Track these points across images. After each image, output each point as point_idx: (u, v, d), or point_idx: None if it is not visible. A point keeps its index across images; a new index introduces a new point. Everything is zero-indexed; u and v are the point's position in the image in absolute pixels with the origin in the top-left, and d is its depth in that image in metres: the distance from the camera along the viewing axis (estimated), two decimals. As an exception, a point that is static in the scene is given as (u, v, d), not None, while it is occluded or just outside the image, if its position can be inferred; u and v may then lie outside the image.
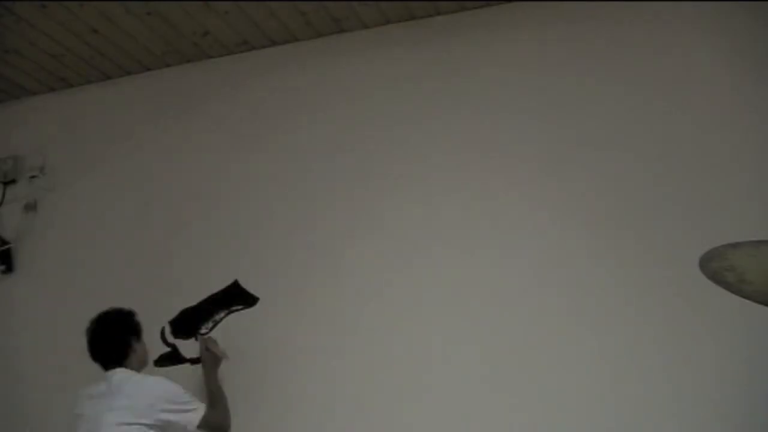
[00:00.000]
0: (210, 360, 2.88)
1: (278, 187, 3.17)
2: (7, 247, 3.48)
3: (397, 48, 3.17)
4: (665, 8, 2.84)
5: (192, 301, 3.14)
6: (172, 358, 3.11)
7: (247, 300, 3.06)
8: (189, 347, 3.10)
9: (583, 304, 2.67)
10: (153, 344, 3.13)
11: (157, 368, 3.07)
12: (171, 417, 2.56)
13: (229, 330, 3.04)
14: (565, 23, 2.97)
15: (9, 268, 3.47)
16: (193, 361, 3.07)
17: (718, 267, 1.66)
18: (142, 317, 3.14)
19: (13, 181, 3.57)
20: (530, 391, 2.63)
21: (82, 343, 3.23)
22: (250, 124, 3.31)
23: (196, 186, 3.29)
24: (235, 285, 3.08)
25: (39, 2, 2.91)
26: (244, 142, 3.29)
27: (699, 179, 2.66)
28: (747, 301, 1.71)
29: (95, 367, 3.17)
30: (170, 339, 3.14)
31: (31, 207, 3.53)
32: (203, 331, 3.07)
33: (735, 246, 1.67)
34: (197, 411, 2.62)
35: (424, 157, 3.01)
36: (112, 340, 2.73)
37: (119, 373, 2.66)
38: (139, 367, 2.74)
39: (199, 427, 2.61)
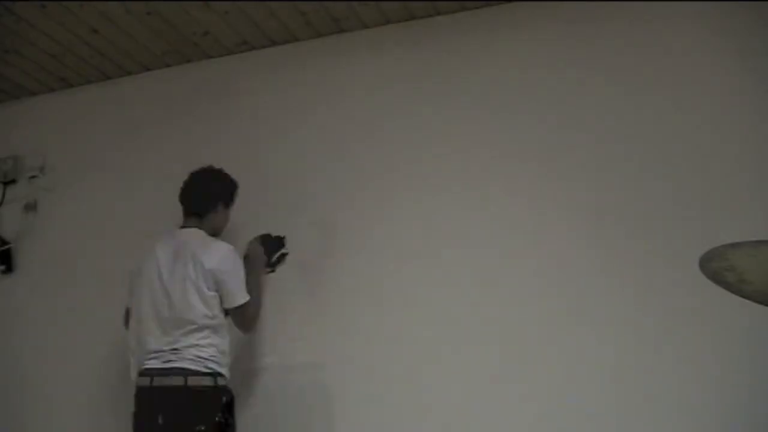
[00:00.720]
0: (255, 255, 2.87)
1: (279, 186, 3.17)
2: (7, 247, 3.48)
3: (397, 48, 3.18)
4: (665, 8, 2.83)
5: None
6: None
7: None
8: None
9: (582, 304, 2.67)
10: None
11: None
12: (221, 287, 2.61)
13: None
14: (565, 23, 2.97)
15: (9, 268, 3.47)
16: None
17: (718, 267, 1.66)
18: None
19: (13, 181, 3.57)
20: (530, 390, 2.64)
21: (83, 342, 3.25)
22: (251, 123, 3.32)
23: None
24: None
25: (39, 2, 2.91)
26: (244, 141, 3.29)
27: (699, 179, 2.66)
28: (747, 301, 1.71)
29: (96, 367, 3.19)
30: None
31: (31, 207, 3.53)
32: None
33: (735, 246, 1.66)
34: (240, 298, 2.64)
35: (425, 156, 3.01)
36: (206, 191, 2.82)
37: (188, 233, 2.73)
38: (212, 233, 2.77)
39: (229, 312, 2.65)
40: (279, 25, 3.21)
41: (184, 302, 2.57)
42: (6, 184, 3.57)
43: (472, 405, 2.68)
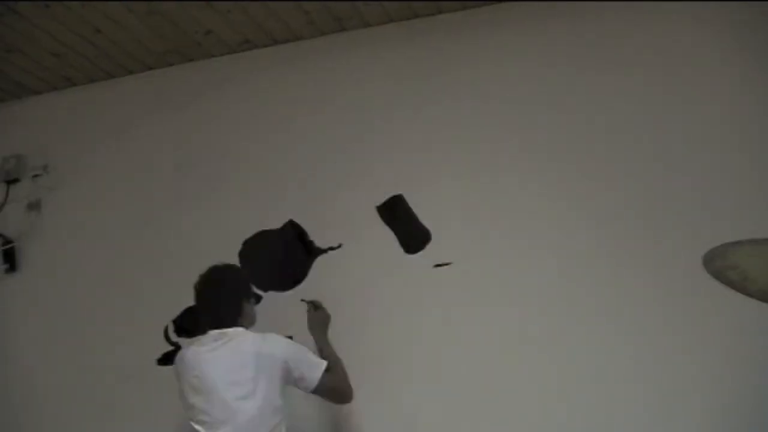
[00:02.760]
0: (319, 320, 2.70)
1: (281, 185, 3.17)
2: (10, 245, 3.48)
3: (400, 46, 3.17)
4: (667, 5, 2.83)
5: (195, 299, 3.15)
6: (175, 357, 3.11)
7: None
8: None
9: (585, 303, 2.67)
10: (154, 343, 3.15)
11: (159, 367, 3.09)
12: (294, 372, 2.41)
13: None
14: (568, 20, 2.96)
15: (12, 267, 3.47)
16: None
17: (721, 266, 1.66)
18: (144, 316, 3.17)
19: (16, 180, 3.56)
20: (527, 388, 2.66)
21: (85, 341, 3.25)
22: (253, 123, 3.31)
23: (198, 185, 3.30)
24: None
25: (42, 2, 2.91)
26: (246, 141, 3.29)
27: (702, 178, 2.66)
28: (751, 299, 1.72)
29: (96, 367, 3.20)
30: (173, 338, 3.15)
31: (34, 206, 3.53)
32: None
33: (737, 244, 1.67)
34: (319, 368, 2.45)
35: (429, 154, 3.01)
36: (226, 301, 2.56)
37: (234, 332, 2.48)
38: (250, 326, 2.58)
39: (316, 390, 2.46)
40: (281, 24, 3.20)
41: (243, 400, 2.36)
42: (9, 183, 3.56)
43: (479, 396, 2.69)
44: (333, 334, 2.76)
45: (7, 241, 3.49)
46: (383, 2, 3.06)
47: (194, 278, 3.14)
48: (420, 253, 2.92)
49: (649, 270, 2.62)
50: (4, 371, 3.36)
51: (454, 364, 2.76)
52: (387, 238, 2.97)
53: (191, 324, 3.13)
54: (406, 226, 2.96)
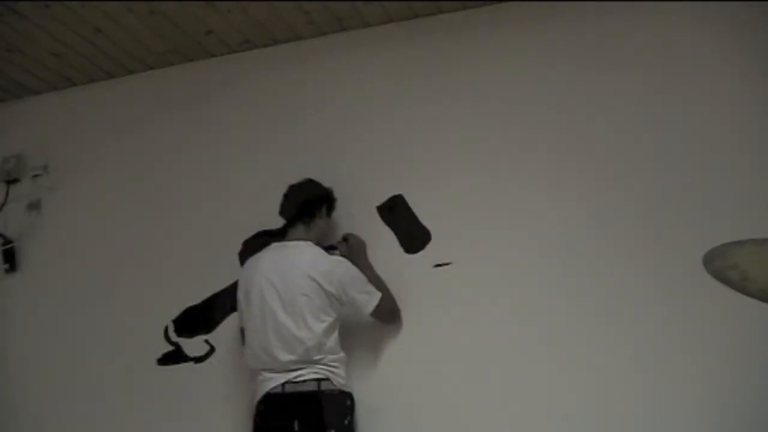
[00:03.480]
0: (356, 248, 2.86)
1: (281, 185, 3.16)
2: (10, 245, 3.48)
3: (399, 46, 3.17)
4: (667, 5, 2.83)
5: (195, 299, 3.15)
6: (175, 357, 3.12)
7: None
8: (192, 346, 3.11)
9: (585, 303, 2.67)
10: (156, 343, 3.15)
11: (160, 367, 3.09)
12: (355, 295, 2.65)
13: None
14: (568, 20, 2.96)
15: (12, 267, 3.47)
16: (197, 360, 3.08)
17: (722, 265, 1.66)
18: (144, 316, 3.17)
19: (16, 180, 3.57)
20: (527, 388, 2.66)
21: (85, 341, 3.25)
22: (253, 122, 3.31)
23: (200, 185, 3.30)
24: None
25: (42, 1, 2.91)
26: (247, 140, 3.30)
27: (702, 177, 2.66)
28: (751, 299, 1.71)
29: (97, 366, 3.20)
30: (173, 338, 3.15)
31: (34, 206, 3.53)
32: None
33: (738, 244, 1.67)
34: (375, 295, 2.69)
35: (428, 155, 3.01)
36: (310, 199, 2.81)
37: (299, 243, 2.73)
38: (318, 241, 2.77)
39: (373, 313, 2.70)
40: (282, 23, 3.20)
41: (301, 319, 2.59)
42: (9, 183, 3.56)
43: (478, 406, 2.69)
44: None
45: (7, 241, 3.48)
46: (383, 2, 3.06)
47: (194, 278, 3.17)
48: (420, 253, 2.92)
49: (649, 270, 2.62)
50: (4, 371, 3.36)
51: (454, 364, 2.75)
52: (387, 238, 2.97)
53: (191, 324, 3.14)
54: (406, 226, 2.96)
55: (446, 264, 2.86)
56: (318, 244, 2.78)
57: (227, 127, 3.34)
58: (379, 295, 2.70)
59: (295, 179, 3.13)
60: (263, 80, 3.34)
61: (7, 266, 3.47)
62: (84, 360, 3.24)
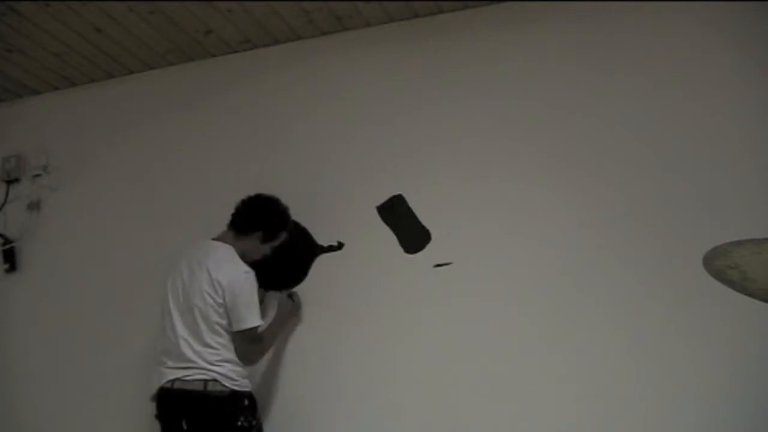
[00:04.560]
0: (292, 308, 2.92)
1: (282, 185, 3.17)
2: (10, 245, 3.49)
3: (400, 46, 3.17)
4: (667, 5, 2.83)
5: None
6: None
7: None
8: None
9: (585, 302, 2.67)
10: (155, 343, 3.14)
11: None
12: (240, 307, 2.64)
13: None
14: (568, 20, 2.96)
15: (13, 267, 3.48)
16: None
17: (722, 265, 1.66)
18: (144, 315, 3.16)
19: (16, 180, 3.58)
20: (527, 388, 2.65)
21: (85, 341, 3.25)
22: (253, 122, 3.32)
23: (200, 184, 3.30)
24: None
25: (43, 1, 2.91)
26: (247, 140, 3.30)
27: (702, 177, 2.65)
28: (751, 299, 1.71)
29: (97, 366, 3.20)
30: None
31: (34, 206, 3.54)
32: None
33: (738, 244, 1.67)
34: (254, 321, 2.66)
35: (429, 154, 3.01)
36: (254, 214, 2.81)
37: (222, 248, 2.75)
38: (243, 257, 2.76)
39: (241, 333, 2.65)
40: (282, 23, 3.21)
41: (203, 312, 2.63)
42: (9, 183, 3.57)
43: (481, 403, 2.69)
44: (333, 334, 2.82)
45: (8, 241, 3.49)
46: (383, 2, 3.06)
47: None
48: (420, 253, 2.92)
49: (649, 270, 2.62)
50: (4, 371, 3.37)
51: (454, 364, 2.76)
52: (387, 238, 2.97)
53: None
54: (406, 226, 2.96)
55: (446, 264, 2.86)
56: (242, 258, 2.75)
57: (227, 127, 3.35)
58: (259, 324, 2.69)
59: (295, 179, 3.15)
60: (263, 80, 3.35)
61: (7, 266, 3.47)
62: (84, 360, 3.24)
